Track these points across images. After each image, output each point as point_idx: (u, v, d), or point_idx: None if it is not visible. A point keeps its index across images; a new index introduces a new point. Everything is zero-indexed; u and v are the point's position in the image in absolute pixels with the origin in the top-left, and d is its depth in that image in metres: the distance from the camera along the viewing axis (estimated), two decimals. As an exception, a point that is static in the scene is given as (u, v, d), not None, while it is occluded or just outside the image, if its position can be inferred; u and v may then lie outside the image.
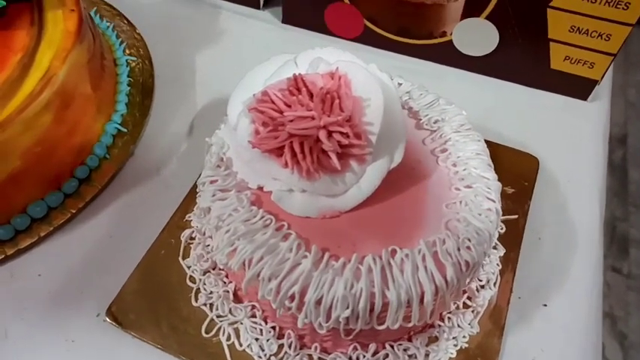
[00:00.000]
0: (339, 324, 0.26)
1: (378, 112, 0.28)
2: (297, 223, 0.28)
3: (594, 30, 0.37)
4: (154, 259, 0.33)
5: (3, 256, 0.33)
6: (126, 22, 0.46)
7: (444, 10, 0.40)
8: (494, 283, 0.32)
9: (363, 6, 0.43)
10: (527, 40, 0.40)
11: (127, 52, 0.44)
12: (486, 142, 0.39)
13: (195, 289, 0.32)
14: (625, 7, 0.35)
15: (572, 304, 0.32)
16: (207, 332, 0.31)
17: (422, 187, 0.29)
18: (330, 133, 0.27)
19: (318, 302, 0.25)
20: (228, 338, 0.30)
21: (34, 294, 0.32)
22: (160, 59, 0.44)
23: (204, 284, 0.32)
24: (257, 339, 0.30)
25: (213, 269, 0.33)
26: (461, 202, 0.28)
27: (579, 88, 0.41)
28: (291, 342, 0.30)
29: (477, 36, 0.41)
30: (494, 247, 0.34)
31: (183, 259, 0.33)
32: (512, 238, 0.34)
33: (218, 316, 0.31)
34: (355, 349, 0.30)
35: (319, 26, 0.46)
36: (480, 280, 0.32)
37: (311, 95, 0.27)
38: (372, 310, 0.25)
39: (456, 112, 0.32)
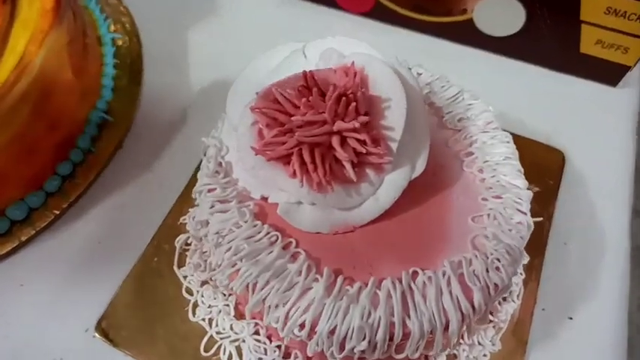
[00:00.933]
0: (353, 354, 0.23)
1: (400, 115, 0.24)
2: (306, 239, 0.25)
3: (633, 12, 0.33)
4: (147, 268, 0.31)
5: (-20, 263, 0.30)
6: (111, -8, 0.42)
7: (465, -16, 0.36)
8: (518, 296, 0.30)
9: (374, -22, 0.39)
10: (557, 21, 0.36)
11: (113, 28, 0.40)
12: (509, 134, 0.36)
13: (192, 302, 0.29)
14: (672, -12, 0.31)
15: (599, 317, 0.30)
16: (206, 350, 0.28)
17: (445, 197, 0.26)
18: (344, 139, 0.24)
19: (331, 332, 0.23)
20: (230, 357, 0.28)
21: (16, 307, 0.29)
22: (148, 36, 0.40)
23: (203, 297, 0.29)
24: (260, 359, 0.28)
25: (212, 280, 0.30)
26: (489, 215, 0.25)
27: (609, 74, 0.38)
28: (298, 363, 0.27)
29: (501, 15, 0.37)
30: (518, 255, 0.31)
31: (179, 267, 0.30)
32: (536, 243, 0.32)
33: (218, 333, 0.29)
34: (368, 370, 0.27)
35: (325, -1, 0.42)
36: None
37: (323, 95, 0.24)
38: (390, 339, 0.23)
39: (482, 108, 0.29)
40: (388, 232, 0.25)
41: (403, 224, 0.25)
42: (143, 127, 0.36)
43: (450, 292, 0.23)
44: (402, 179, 0.25)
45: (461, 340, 0.28)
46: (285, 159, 0.24)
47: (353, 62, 0.25)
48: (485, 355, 0.28)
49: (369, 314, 0.22)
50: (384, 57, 0.29)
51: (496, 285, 0.24)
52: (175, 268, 0.30)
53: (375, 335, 0.22)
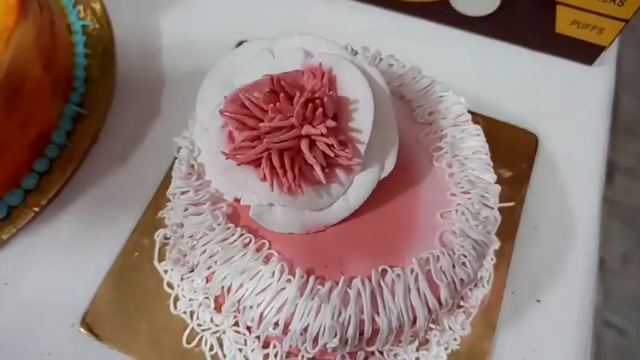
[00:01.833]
0: (326, 349, 0.24)
1: (368, 117, 0.24)
2: (278, 240, 0.25)
3: (608, -7, 0.33)
4: (127, 263, 0.31)
5: (-37, 263, 0.31)
6: (79, -26, 0.41)
7: (441, -35, 0.36)
8: (488, 281, 0.31)
9: (349, -43, 0.38)
10: (532, 1, 0.35)
11: (82, 14, 0.39)
12: (482, 117, 0.36)
13: (173, 296, 0.30)
14: (645, -30, 0.30)
15: (566, 300, 0.31)
16: (188, 342, 0.29)
17: (415, 192, 0.27)
18: (313, 142, 0.24)
19: (304, 330, 0.24)
20: (211, 348, 0.29)
21: (1, 305, 0.30)
22: (119, 21, 0.39)
23: (183, 290, 0.30)
24: (241, 349, 0.29)
25: (192, 272, 0.31)
26: (457, 210, 0.26)
27: (585, 53, 0.38)
28: (277, 352, 0.28)
29: (477, -5, 0.37)
30: (489, 241, 0.32)
31: (159, 262, 0.31)
32: (507, 228, 0.33)
33: (199, 325, 0.30)
34: (343, 357, 0.28)
35: (299, -23, 0.41)
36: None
37: (290, 99, 0.24)
38: (361, 335, 0.24)
39: (453, 100, 0.29)
40: (359, 231, 0.26)
41: (373, 222, 0.26)
42: (118, 119, 0.36)
43: (418, 289, 0.24)
44: (372, 179, 0.25)
45: (432, 325, 0.30)
46: (256, 162, 0.24)
47: (320, 63, 0.25)
48: (455, 339, 0.30)
49: (340, 313, 0.23)
50: (357, 42, 0.29)
51: (462, 280, 0.25)
52: (156, 262, 0.31)
53: (346, 332, 0.23)
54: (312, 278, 0.24)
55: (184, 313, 0.30)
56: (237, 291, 0.24)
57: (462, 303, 0.31)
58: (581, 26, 0.36)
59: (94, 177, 0.34)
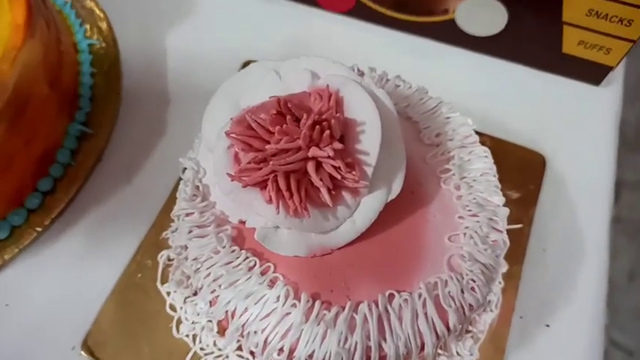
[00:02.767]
0: (332, 375, 0.24)
1: (375, 139, 0.24)
2: (284, 263, 0.25)
3: (614, 15, 0.33)
4: (130, 284, 0.31)
5: (-36, 283, 0.30)
6: (86, -6, 0.41)
7: (447, -15, 0.36)
8: (496, 305, 0.30)
9: (355, -23, 0.38)
10: (539, 21, 0.35)
11: (89, 33, 0.39)
12: (489, 137, 0.36)
13: (176, 318, 0.30)
14: (652, -8, 0.30)
15: (576, 325, 0.31)
16: (190, 367, 0.29)
17: (422, 215, 0.26)
18: (319, 164, 0.24)
19: (310, 356, 0.23)
20: (214, 373, 0.29)
21: (2, 327, 0.30)
22: (126, 40, 0.39)
23: (186, 313, 0.30)
24: (244, 374, 0.28)
25: (195, 294, 0.30)
26: (465, 234, 0.26)
27: (592, 73, 0.38)
28: (281, 378, 0.28)
29: (484, 15, 0.36)
30: (497, 263, 0.32)
31: (162, 283, 0.31)
32: (515, 250, 0.32)
33: (201, 349, 0.29)
34: (349, 382, 0.28)
35: (306, -3, 0.41)
36: (482, 302, 0.30)
37: (297, 121, 0.24)
38: (367, 361, 0.23)
39: (460, 122, 0.29)
40: (365, 254, 0.25)
41: (380, 245, 0.26)
42: (122, 138, 0.36)
43: (426, 315, 0.24)
44: (379, 202, 0.25)
45: (439, 351, 0.29)
46: (262, 184, 0.24)
47: (327, 85, 0.25)
48: (463, 365, 0.29)
49: (346, 339, 0.23)
50: (364, 61, 0.29)
51: (471, 305, 0.24)
52: (158, 284, 0.31)
53: (352, 359, 0.23)
54: (317, 303, 0.24)
55: (187, 336, 0.29)
56: (241, 315, 0.24)
57: (470, 328, 0.30)
58: (588, 46, 0.35)
59: (98, 196, 0.34)
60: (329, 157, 0.23)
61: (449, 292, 0.24)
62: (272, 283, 0.24)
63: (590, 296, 0.31)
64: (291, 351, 0.23)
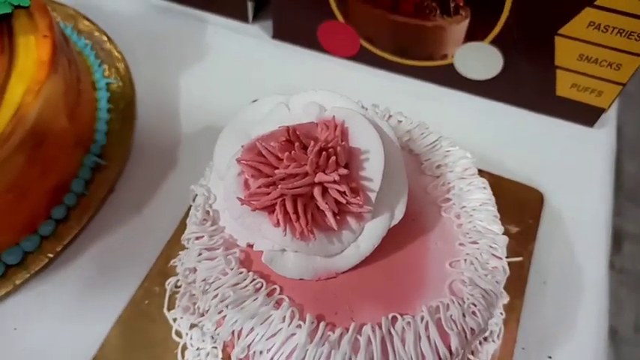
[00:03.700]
0: (336, 398, 0.24)
1: (379, 166, 0.25)
2: (290, 286, 0.26)
3: (604, 59, 0.35)
4: (137, 310, 0.31)
5: (-25, 307, 0.31)
6: (106, 38, 0.43)
7: (445, 32, 0.38)
8: (498, 336, 0.31)
9: (359, 25, 0.41)
10: (533, 66, 0.37)
11: (107, 73, 0.41)
12: (488, 174, 0.37)
13: (181, 344, 0.30)
14: (637, 38, 0.32)
15: (578, 356, 0.31)
16: (194, 393, 0.29)
17: (424, 242, 0.27)
18: (325, 190, 0.25)
19: (314, 377, 0.23)
20: (218, 400, 0.29)
21: (9, 351, 0.30)
22: (141, 80, 0.41)
23: (192, 339, 0.30)
24: (248, 402, 0.28)
25: (202, 316, 0.31)
26: (465, 260, 0.26)
27: (585, 115, 0.39)
28: (285, 405, 0.28)
29: (480, 60, 0.39)
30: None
31: (169, 310, 0.31)
32: (516, 283, 0.33)
33: (206, 375, 0.29)
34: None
35: (312, 43, 0.44)
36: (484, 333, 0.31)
37: (305, 148, 0.25)
38: (371, 384, 0.24)
39: (460, 154, 0.30)
40: (369, 278, 0.26)
41: (383, 270, 0.26)
42: (134, 171, 0.37)
43: (428, 337, 0.24)
44: (382, 227, 0.26)
45: (443, 381, 0.29)
46: (270, 209, 0.25)
47: (334, 116, 0.26)
48: (467, 395, 0.29)
49: (350, 360, 0.23)
50: (368, 102, 0.30)
51: (472, 329, 0.25)
52: (165, 310, 0.31)
53: (356, 380, 0.23)
54: (322, 324, 0.24)
55: (192, 362, 0.30)
56: (247, 335, 0.24)
57: (472, 358, 0.30)
58: (581, 89, 0.37)
59: (109, 225, 0.35)
60: (334, 181, 0.24)
61: (451, 315, 0.24)
62: (278, 305, 0.25)
63: (591, 326, 0.31)
64: (296, 371, 0.23)
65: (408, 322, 0.24)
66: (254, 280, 0.25)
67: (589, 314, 0.32)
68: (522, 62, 0.38)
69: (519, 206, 0.36)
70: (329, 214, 0.25)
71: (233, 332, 0.24)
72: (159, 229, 0.34)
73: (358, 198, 0.25)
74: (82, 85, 0.38)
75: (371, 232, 0.26)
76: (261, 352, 0.24)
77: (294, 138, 0.25)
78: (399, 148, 0.27)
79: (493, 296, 0.26)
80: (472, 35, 0.37)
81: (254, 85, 0.42)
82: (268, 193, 0.25)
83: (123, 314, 0.31)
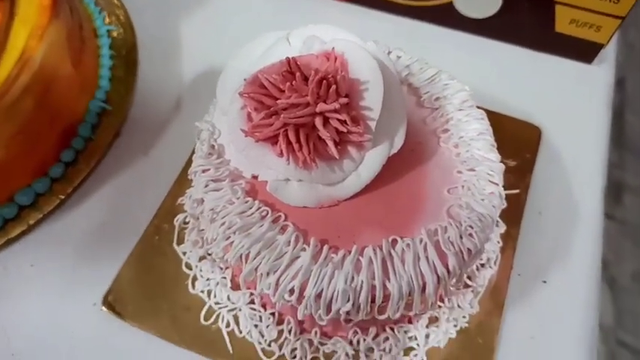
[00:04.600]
0: (339, 315, 0.25)
1: (378, 96, 0.26)
2: (294, 213, 0.27)
3: (603, -9, 0.35)
4: (148, 246, 0.33)
5: (-7, 246, 0.32)
6: (104, -14, 0.43)
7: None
8: (495, 262, 0.32)
9: (357, -34, 0.40)
10: (532, 2, 0.37)
11: (107, 20, 0.41)
12: (487, 111, 0.38)
13: (191, 276, 0.32)
14: (637, -32, 0.32)
15: (572, 280, 0.32)
16: (205, 320, 0.30)
17: (423, 170, 0.28)
18: (326, 120, 0.26)
19: (318, 296, 0.25)
20: (228, 325, 0.30)
21: (28, 286, 0.32)
22: (142, 27, 0.42)
23: (201, 271, 0.32)
24: (256, 325, 0.30)
25: (209, 255, 0.32)
26: (463, 186, 0.27)
27: (584, 51, 0.39)
28: (291, 328, 0.30)
29: (479, -2, 0.39)
30: (496, 224, 0.33)
31: (178, 244, 0.33)
32: (513, 213, 0.34)
33: (216, 303, 0.31)
34: (355, 332, 0.29)
35: (311, -13, 0.44)
36: (481, 259, 0.32)
37: (305, 79, 0.26)
38: (372, 301, 0.25)
39: (458, 87, 0.31)
40: (370, 205, 0.27)
41: (384, 197, 0.27)
42: (140, 115, 0.38)
43: (427, 258, 0.25)
44: (382, 155, 0.27)
45: (440, 304, 0.31)
46: (273, 139, 0.26)
47: (333, 48, 0.27)
48: (464, 317, 0.31)
49: (353, 278, 0.24)
50: (365, 41, 0.30)
51: (469, 250, 0.26)
52: (175, 245, 0.33)
53: (358, 298, 0.24)
54: (325, 247, 0.25)
55: (202, 292, 0.31)
56: (254, 259, 0.25)
57: (470, 282, 0.32)
58: (580, 24, 0.37)
59: (116, 168, 0.36)
60: (335, 110, 0.25)
61: (448, 237, 0.26)
62: (283, 230, 0.26)
63: (585, 253, 0.32)
64: (301, 291, 0.25)
65: (408, 244, 0.25)
66: (260, 208, 0.26)
67: (582, 242, 0.33)
68: (521, -2, 0.38)
69: (517, 141, 0.37)
70: (330, 143, 0.26)
71: (241, 257, 0.26)
72: (165, 169, 0.35)
73: (359, 127, 0.26)
74: (85, 32, 0.38)
75: (371, 161, 0.27)
76: (268, 274, 0.25)
77: (294, 69, 0.26)
78: (397, 80, 0.28)
79: (489, 219, 0.27)
80: (471, -28, 0.37)
81: (254, 32, 0.42)
82: (271, 124, 0.26)
83: (135, 250, 0.33)
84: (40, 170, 0.34)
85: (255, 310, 0.30)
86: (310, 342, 0.30)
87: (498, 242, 0.33)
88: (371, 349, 0.29)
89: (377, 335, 0.30)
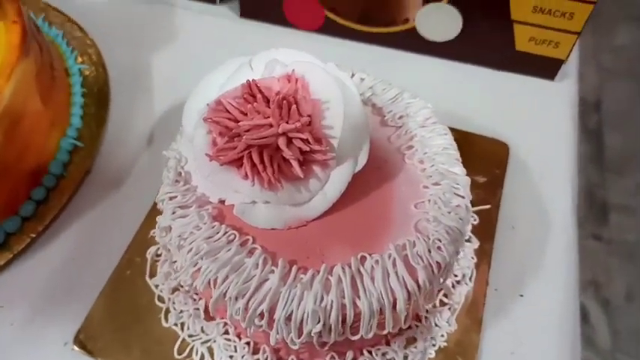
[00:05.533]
0: (311, 338, 0.25)
1: (338, 114, 0.26)
2: (262, 236, 0.26)
3: (557, 9, 0.36)
4: (120, 280, 0.32)
5: (-40, 288, 0.32)
6: (77, 27, 0.44)
7: (405, -5, 0.39)
8: (470, 278, 0.32)
9: (322, -4, 0.42)
10: (491, 22, 0.39)
11: (80, 60, 0.42)
12: (455, 130, 0.38)
13: (164, 308, 0.31)
14: (586, -15, 0.34)
15: (549, 293, 0.32)
16: (179, 353, 0.30)
17: (389, 187, 0.28)
18: (290, 140, 0.26)
19: (288, 318, 0.24)
20: (202, 358, 0.30)
21: (-3, 327, 0.31)
22: (114, 65, 0.42)
23: (174, 303, 0.31)
24: (231, 356, 0.29)
25: (182, 286, 0.32)
26: (429, 200, 0.27)
27: (546, 68, 0.41)
28: (267, 356, 0.29)
29: (441, 21, 0.40)
30: (468, 240, 0.33)
31: (151, 277, 0.32)
32: (485, 229, 0.34)
33: (190, 336, 0.30)
34: (333, 358, 0.29)
35: (279, 19, 0.45)
36: (456, 276, 0.32)
37: (267, 101, 0.26)
38: (344, 321, 0.24)
39: (420, 105, 0.31)
40: (338, 224, 0.27)
41: (351, 215, 0.27)
42: (112, 150, 0.38)
43: (396, 273, 0.25)
44: (347, 173, 0.27)
45: (417, 323, 0.30)
46: (238, 162, 0.26)
47: (294, 70, 0.27)
48: (442, 336, 0.30)
49: (322, 298, 0.24)
50: (326, 63, 0.31)
51: (438, 263, 0.26)
52: (147, 278, 0.32)
53: (329, 317, 0.24)
54: (294, 268, 0.25)
55: (175, 325, 0.30)
56: (222, 283, 0.25)
57: (446, 300, 0.31)
58: (539, 42, 0.39)
59: (88, 204, 0.36)
60: (297, 130, 0.25)
61: (417, 251, 0.26)
62: (251, 253, 0.26)
63: (560, 264, 0.32)
64: (271, 314, 0.24)
65: (377, 261, 0.25)
66: (227, 232, 0.26)
67: (557, 254, 0.33)
68: (481, 20, 0.39)
69: (486, 158, 0.37)
70: (294, 163, 0.26)
71: (209, 282, 0.25)
72: (137, 203, 0.35)
73: (322, 145, 0.26)
74: (56, 71, 0.39)
75: (337, 179, 0.27)
76: (236, 298, 0.25)
77: (255, 91, 0.26)
78: (358, 99, 0.28)
79: (457, 232, 0.27)
80: (431, -4, 0.39)
81: (224, 61, 0.43)
82: (235, 147, 0.26)
83: (106, 285, 0.32)
84: (10, 209, 0.34)
85: (229, 340, 0.29)
86: (287, 370, 0.29)
87: (473, 258, 0.33)
88: (349, 374, 0.29)
89: (354, 359, 0.29)
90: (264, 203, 0.27)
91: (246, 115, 0.26)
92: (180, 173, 0.29)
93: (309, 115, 0.26)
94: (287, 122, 0.26)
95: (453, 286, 0.31)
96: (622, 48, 1.37)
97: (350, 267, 0.25)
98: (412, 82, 0.39)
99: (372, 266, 0.25)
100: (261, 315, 0.25)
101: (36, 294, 0.32)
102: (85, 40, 0.43)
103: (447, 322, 0.30)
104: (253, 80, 0.26)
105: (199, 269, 0.26)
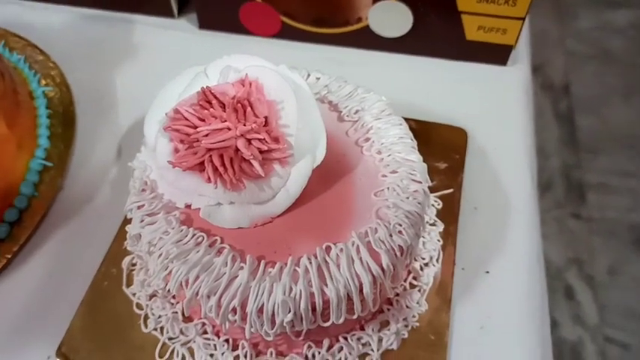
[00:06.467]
0: (284, 328, 0.26)
1: (293, 113, 0.28)
2: (230, 235, 0.27)
3: (500, -3, 0.38)
4: (98, 292, 0.33)
5: (-61, 314, 0.32)
6: (38, 51, 0.45)
7: (355, -5, 0.40)
8: (437, 259, 0.33)
9: (276, 2, 0.43)
10: (440, 15, 0.40)
11: (43, 82, 0.42)
12: (414, 120, 0.40)
13: (143, 315, 0.32)
14: (524, -28, 0.35)
15: (514, 268, 0.33)
16: (161, 356, 0.30)
17: (349, 179, 0.30)
18: (248, 141, 0.27)
19: (260, 311, 0.25)
20: (183, 359, 0.30)
21: (-22, 348, 0.31)
22: (78, 84, 0.43)
23: (152, 309, 0.32)
24: (212, 355, 0.30)
25: (159, 292, 0.32)
26: (388, 188, 0.29)
27: (497, 54, 0.42)
28: (246, 352, 0.30)
29: (392, 18, 0.41)
30: (434, 224, 0.35)
31: (128, 287, 0.33)
32: (449, 212, 0.35)
33: (170, 339, 0.31)
34: (310, 347, 0.30)
35: (237, 27, 0.46)
36: (423, 259, 0.33)
37: (223, 106, 0.27)
38: (314, 309, 0.26)
39: (375, 99, 0.32)
40: (302, 218, 0.28)
41: (315, 209, 0.28)
42: (81, 167, 0.39)
43: (360, 259, 0.26)
44: (307, 169, 0.28)
45: (389, 307, 0.31)
46: (200, 167, 0.27)
47: (247, 74, 0.28)
48: (414, 316, 0.31)
49: (291, 289, 0.25)
50: (278, 65, 0.32)
51: (400, 246, 0.27)
52: (124, 287, 0.33)
53: (299, 306, 0.25)
54: (262, 263, 0.26)
55: (155, 330, 0.31)
56: (194, 283, 0.26)
57: (415, 282, 0.33)
58: (487, 30, 0.40)
59: (62, 221, 0.36)
60: (254, 130, 0.26)
61: (379, 237, 0.27)
62: (219, 253, 0.27)
63: (522, 240, 0.34)
64: (243, 308, 0.25)
65: (341, 249, 0.26)
66: (195, 235, 0.27)
67: (519, 230, 0.35)
68: (430, 14, 0.40)
69: (446, 145, 0.39)
70: (255, 163, 0.27)
71: (181, 284, 0.26)
72: (110, 216, 0.36)
73: (279, 144, 0.27)
74: (20, 95, 0.40)
75: (297, 175, 0.28)
76: (209, 297, 0.26)
77: (210, 97, 0.27)
78: (312, 97, 0.29)
79: (416, 215, 0.28)
80: (380, -5, 0.40)
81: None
82: (196, 153, 0.27)
83: (85, 298, 0.33)
84: (-17, 233, 0.34)
85: (208, 339, 0.30)
86: (267, 363, 0.30)
87: (439, 240, 0.34)
88: (327, 361, 0.30)
89: (331, 346, 0.30)
90: (228, 204, 0.28)
91: (203, 121, 0.27)
92: (146, 182, 0.29)
93: (265, 116, 0.27)
94: (244, 124, 0.27)
95: (422, 269, 0.33)
96: (586, 31, 1.40)
97: (316, 257, 0.26)
98: (370, 78, 0.40)
99: (337, 255, 0.26)
100: (234, 310, 0.25)
101: (16, 312, 0.33)
102: (46, 62, 0.44)
103: (418, 303, 0.32)
104: (207, 87, 0.27)
105: (170, 272, 0.26)
